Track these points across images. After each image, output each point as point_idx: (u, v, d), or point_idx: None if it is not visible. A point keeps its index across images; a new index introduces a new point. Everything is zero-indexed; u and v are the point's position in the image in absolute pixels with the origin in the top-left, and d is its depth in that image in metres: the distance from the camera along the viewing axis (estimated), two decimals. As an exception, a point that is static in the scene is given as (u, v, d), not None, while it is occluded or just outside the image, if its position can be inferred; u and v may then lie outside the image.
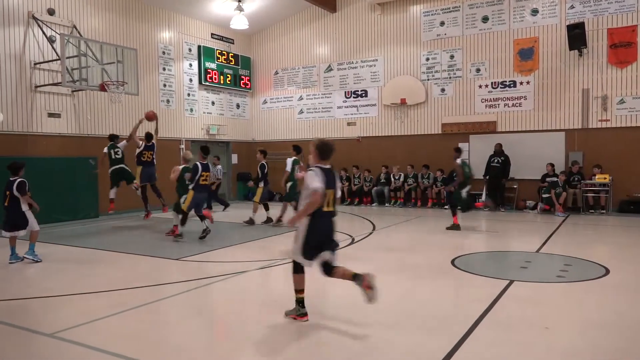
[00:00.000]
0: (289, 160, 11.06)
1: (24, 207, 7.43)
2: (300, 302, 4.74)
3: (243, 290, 6.04)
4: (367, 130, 16.47)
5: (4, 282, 6.46)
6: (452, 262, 7.18)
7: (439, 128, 15.21)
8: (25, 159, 11.31)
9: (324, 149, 4.68)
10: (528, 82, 13.95)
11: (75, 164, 12.23)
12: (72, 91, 12.52)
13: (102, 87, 11.71)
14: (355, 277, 4.50)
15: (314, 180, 4.50)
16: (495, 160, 13.70)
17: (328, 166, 4.72)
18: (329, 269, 4.67)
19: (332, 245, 4.70)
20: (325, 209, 4.64)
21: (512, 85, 14.17)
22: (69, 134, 12.56)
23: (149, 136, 11.65)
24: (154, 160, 11.64)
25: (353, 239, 9.21)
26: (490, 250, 8.56)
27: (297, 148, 11.21)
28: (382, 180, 15.51)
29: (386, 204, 15.28)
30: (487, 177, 13.80)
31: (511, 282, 5.99)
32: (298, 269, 4.71)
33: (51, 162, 11.81)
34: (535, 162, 13.67)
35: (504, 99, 14.29)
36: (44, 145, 11.99)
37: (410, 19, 15.55)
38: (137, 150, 11.51)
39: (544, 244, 8.66)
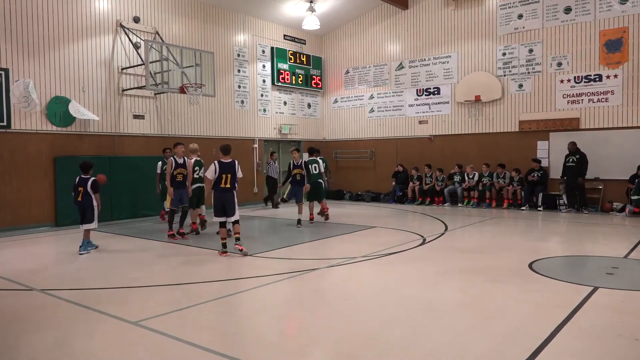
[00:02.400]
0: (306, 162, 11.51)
1: (95, 203, 8.19)
2: (224, 245, 7.80)
3: (312, 288, 6.13)
4: (439, 128, 16.11)
5: (93, 271, 6.98)
6: (530, 265, 6.87)
7: (516, 125, 14.58)
8: (114, 157, 12.23)
9: (224, 149, 7.87)
10: (616, 76, 13.02)
11: (157, 162, 12.92)
12: (155, 94, 13.27)
13: (182, 90, 12.30)
14: (226, 245, 7.81)
15: (208, 171, 7.76)
16: (571, 160, 12.97)
17: (228, 160, 7.81)
18: (224, 225, 7.81)
19: (227, 210, 7.72)
20: (222, 185, 7.69)
21: (597, 79, 13.29)
22: (151, 134, 13.32)
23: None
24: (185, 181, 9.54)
25: (424, 239, 9.05)
26: (572, 254, 8.09)
27: (310, 150, 12.48)
28: (456, 179, 15.14)
29: (459, 204, 14.88)
30: (564, 178, 13.10)
31: (595, 288, 5.63)
32: (220, 225, 7.85)
33: (136, 160, 12.59)
34: (623, 161, 12.75)
35: (589, 94, 13.43)
36: (129, 144, 12.81)
37: (486, 12, 15.02)
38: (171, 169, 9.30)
39: (633, 249, 8.06)
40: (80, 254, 8.01)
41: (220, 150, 7.91)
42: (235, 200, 7.86)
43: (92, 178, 8.19)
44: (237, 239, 7.86)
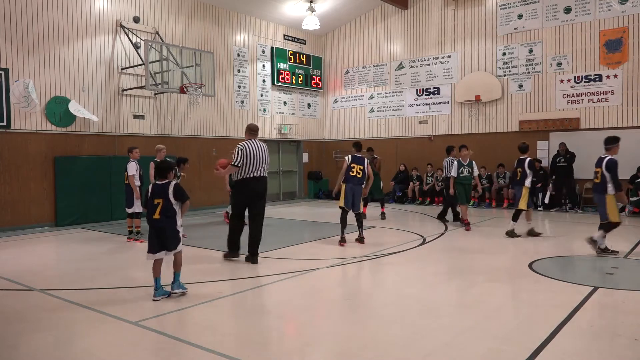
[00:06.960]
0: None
1: (179, 222, 5.50)
2: (130, 232, 9.45)
3: (312, 288, 6.12)
4: (439, 128, 16.11)
5: (93, 271, 6.98)
6: (530, 265, 6.87)
7: (516, 125, 14.59)
8: (114, 157, 12.21)
9: (130, 149, 9.60)
10: (616, 76, 13.02)
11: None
12: (155, 94, 13.27)
13: (182, 90, 12.30)
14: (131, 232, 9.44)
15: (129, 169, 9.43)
16: (561, 160, 13.18)
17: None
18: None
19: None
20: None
21: (597, 79, 13.29)
22: (151, 134, 13.31)
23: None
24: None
25: (424, 239, 9.05)
26: (572, 254, 8.09)
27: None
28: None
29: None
30: (554, 178, 13.32)
31: (595, 288, 5.63)
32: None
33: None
34: (623, 161, 12.60)
35: (588, 94, 13.44)
36: (129, 144, 12.77)
37: (486, 12, 15.02)
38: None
39: (633, 249, 8.07)
40: (173, 292, 5.55)
41: (129, 152, 9.58)
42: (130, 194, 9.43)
43: (175, 182, 5.49)
44: (137, 232, 9.43)
